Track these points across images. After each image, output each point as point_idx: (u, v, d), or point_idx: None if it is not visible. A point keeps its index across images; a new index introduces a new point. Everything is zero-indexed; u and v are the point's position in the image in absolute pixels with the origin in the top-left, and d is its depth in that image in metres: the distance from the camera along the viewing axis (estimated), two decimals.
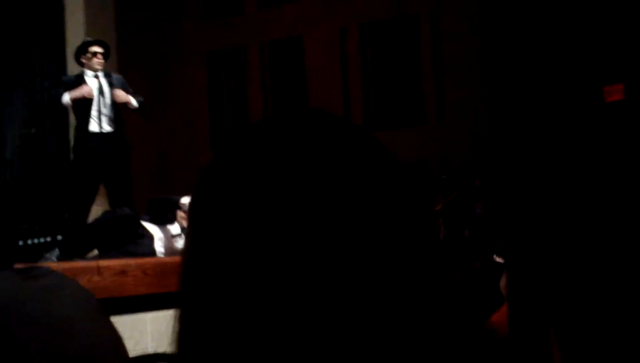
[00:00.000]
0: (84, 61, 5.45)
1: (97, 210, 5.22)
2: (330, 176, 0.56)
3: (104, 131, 5.26)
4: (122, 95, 5.25)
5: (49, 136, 7.70)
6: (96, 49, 5.40)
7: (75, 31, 7.23)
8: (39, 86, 8.20)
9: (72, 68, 5.97)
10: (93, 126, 5.26)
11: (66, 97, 5.21)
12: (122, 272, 3.03)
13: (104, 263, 3.06)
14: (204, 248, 0.58)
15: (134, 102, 5.34)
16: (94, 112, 5.25)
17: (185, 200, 4.81)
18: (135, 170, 5.78)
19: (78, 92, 5.18)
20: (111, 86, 5.33)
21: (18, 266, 1.88)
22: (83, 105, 5.25)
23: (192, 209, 0.61)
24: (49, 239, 6.91)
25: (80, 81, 5.32)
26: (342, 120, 0.61)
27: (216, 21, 7.97)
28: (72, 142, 5.59)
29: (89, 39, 5.59)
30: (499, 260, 2.97)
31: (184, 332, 0.59)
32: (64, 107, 5.34)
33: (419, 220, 0.58)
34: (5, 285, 1.72)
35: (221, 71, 8.06)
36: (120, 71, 6.20)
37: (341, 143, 0.58)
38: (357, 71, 7.39)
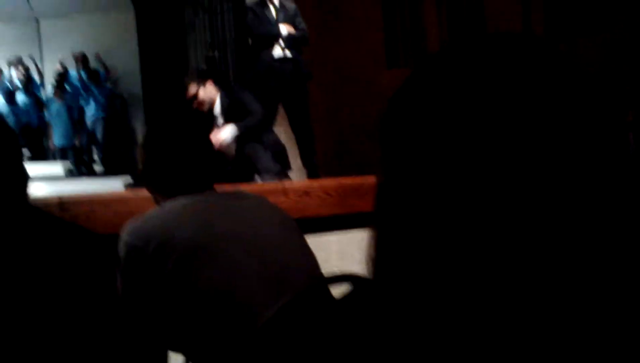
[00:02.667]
0: None
1: (278, 132, 5.42)
2: (519, 97, 0.55)
3: (287, 55, 5.52)
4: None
5: (232, 58, 7.97)
6: None
7: None
8: (219, 10, 8.46)
9: None
10: (276, 52, 5.51)
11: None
12: (306, 193, 3.13)
13: (289, 184, 3.18)
14: (396, 175, 0.59)
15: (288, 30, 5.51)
16: (281, 39, 5.54)
17: None
18: (311, 100, 5.95)
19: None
20: (285, 16, 5.57)
21: (218, 187, 2.01)
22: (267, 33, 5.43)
23: (381, 137, 0.62)
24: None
25: (262, 8, 5.62)
26: (525, 37, 0.59)
27: None
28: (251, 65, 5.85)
29: None
30: None
31: (379, 254, 0.61)
32: (255, 35, 5.65)
33: (613, 133, 0.56)
34: (205, 203, 1.85)
35: None
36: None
37: (527, 63, 0.57)
38: None
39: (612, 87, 0.61)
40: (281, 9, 5.65)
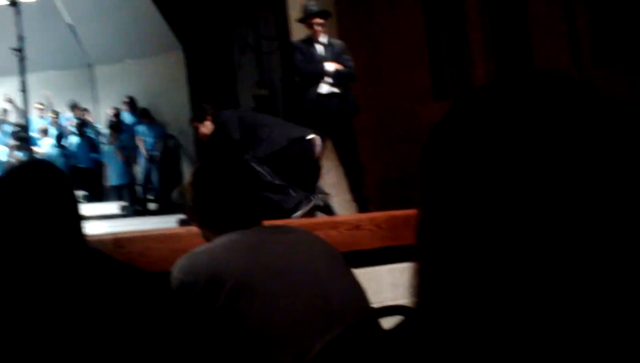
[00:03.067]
0: (307, 27, 5.83)
1: (327, 166, 5.46)
2: (556, 136, 0.56)
3: (334, 91, 5.61)
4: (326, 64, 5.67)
5: (280, 96, 8.08)
6: (317, 21, 5.74)
7: None
8: (266, 48, 8.60)
9: (294, 31, 6.22)
10: (322, 88, 5.59)
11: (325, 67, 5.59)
12: (357, 227, 3.14)
13: (339, 218, 3.19)
14: (437, 206, 0.60)
15: (332, 67, 5.67)
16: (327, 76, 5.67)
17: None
18: (358, 128, 5.98)
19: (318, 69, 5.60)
20: (332, 53, 5.72)
21: (266, 223, 2.04)
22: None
23: (422, 168, 0.63)
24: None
25: (308, 46, 5.72)
26: (571, 81, 0.60)
27: None
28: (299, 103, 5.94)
29: (311, 8, 5.82)
30: None
31: (422, 286, 0.61)
32: (303, 73, 5.78)
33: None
34: (253, 239, 1.87)
35: (439, 20, 7.92)
36: (338, 27, 6.43)
37: (570, 107, 0.57)
38: (581, 2, 6.91)
39: None
40: (328, 46, 5.74)
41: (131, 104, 11.00)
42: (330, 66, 5.64)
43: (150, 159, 10.63)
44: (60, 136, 10.71)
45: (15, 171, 1.78)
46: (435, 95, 7.88)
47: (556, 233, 0.54)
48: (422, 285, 0.61)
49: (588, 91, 0.59)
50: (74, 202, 1.76)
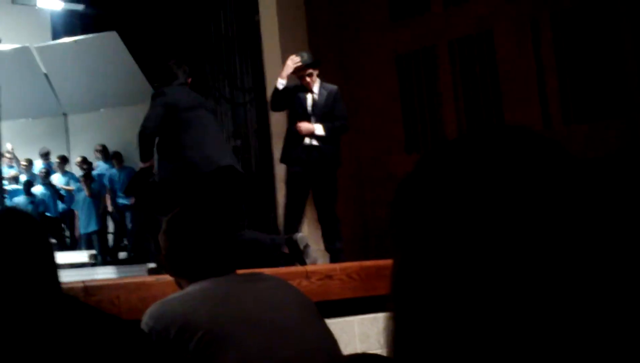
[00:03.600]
0: (297, 77, 5.61)
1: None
2: (529, 195, 0.57)
3: (312, 144, 5.44)
4: (304, 128, 5.42)
5: (254, 148, 8.12)
6: (309, 71, 5.52)
7: (271, 44, 7.56)
8: (241, 99, 8.68)
9: (270, 80, 6.25)
10: (306, 140, 5.48)
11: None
12: (328, 276, 3.14)
13: (311, 267, 3.20)
14: (410, 258, 0.60)
15: (319, 131, 5.47)
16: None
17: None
18: None
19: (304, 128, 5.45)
20: (323, 103, 5.54)
21: (239, 272, 2.04)
22: (297, 119, 5.46)
23: (393, 219, 0.64)
24: None
25: (297, 92, 5.53)
26: (543, 139, 0.61)
27: (404, 22, 8.00)
28: (275, 153, 5.84)
29: (304, 58, 5.58)
30: None
31: (398, 336, 0.61)
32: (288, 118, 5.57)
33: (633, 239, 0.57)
34: (225, 287, 1.87)
35: (411, 73, 8.07)
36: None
37: (541, 164, 0.59)
38: (552, 62, 7.09)
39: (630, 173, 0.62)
40: (320, 95, 5.52)
41: (104, 152, 10.98)
42: (318, 130, 5.44)
43: (116, 210, 10.57)
44: (29, 184, 10.61)
45: None
46: (407, 148, 7.98)
47: (523, 283, 0.55)
48: (396, 333, 0.61)
49: (553, 145, 0.61)
50: (49, 249, 1.75)
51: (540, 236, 0.56)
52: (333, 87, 5.69)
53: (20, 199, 10.38)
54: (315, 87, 5.57)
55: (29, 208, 10.16)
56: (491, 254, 0.56)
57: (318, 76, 5.61)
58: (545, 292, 0.55)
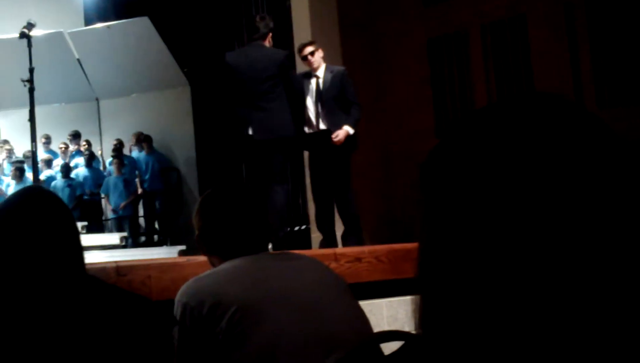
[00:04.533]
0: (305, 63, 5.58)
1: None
2: (557, 161, 0.56)
3: (319, 129, 5.35)
4: (342, 135, 5.33)
5: None
6: (307, 50, 5.51)
7: (302, 29, 7.55)
8: None
9: (300, 65, 6.24)
10: (309, 125, 5.39)
11: None
12: (357, 259, 3.15)
13: (340, 250, 3.22)
14: (437, 235, 0.60)
15: (350, 131, 5.38)
16: (310, 114, 5.43)
17: None
18: (360, 164, 5.86)
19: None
20: (329, 84, 5.43)
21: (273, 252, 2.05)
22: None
23: (423, 192, 0.64)
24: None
25: (306, 80, 5.53)
26: (571, 103, 0.60)
27: (436, 7, 7.93)
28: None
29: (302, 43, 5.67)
30: None
31: (425, 317, 0.61)
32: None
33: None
34: (257, 265, 1.89)
35: (443, 58, 8.01)
36: (344, 64, 6.37)
37: (570, 128, 0.58)
38: (586, 46, 6.99)
39: None
40: (325, 77, 5.45)
41: (138, 138, 11.05)
42: (349, 130, 5.32)
43: (147, 194, 10.67)
44: (67, 167, 10.75)
45: (15, 199, 1.77)
46: (437, 133, 7.94)
47: (557, 260, 0.54)
48: (424, 310, 0.61)
49: (587, 114, 0.60)
50: (74, 230, 1.75)
51: (569, 209, 0.55)
52: (340, 68, 5.62)
53: (57, 182, 10.51)
54: (320, 71, 5.49)
55: (67, 191, 10.28)
56: (521, 228, 0.55)
57: (323, 58, 5.55)
58: (574, 269, 0.54)
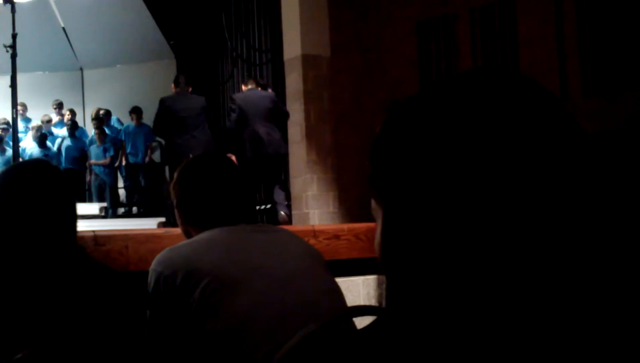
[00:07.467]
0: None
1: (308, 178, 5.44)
2: (508, 135, 0.56)
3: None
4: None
5: None
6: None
7: (290, 5, 7.48)
8: (259, 62, 8.62)
9: (288, 40, 6.21)
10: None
11: None
12: (336, 236, 3.15)
13: (319, 227, 3.21)
14: (395, 210, 0.61)
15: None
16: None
17: None
18: (345, 144, 5.92)
19: None
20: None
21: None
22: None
23: (373, 161, 0.65)
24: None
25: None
26: (533, 82, 0.60)
27: None
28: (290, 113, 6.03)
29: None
30: None
31: (390, 286, 0.62)
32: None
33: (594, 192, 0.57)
34: (233, 236, 1.88)
35: (431, 40, 7.99)
36: (332, 49, 6.46)
37: (522, 102, 0.58)
38: (573, 34, 7.00)
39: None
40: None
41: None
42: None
43: (131, 166, 10.61)
44: (43, 137, 10.63)
45: (15, 169, 1.80)
46: None
47: (507, 233, 0.54)
48: (389, 285, 0.62)
49: (539, 88, 0.60)
50: (71, 200, 1.80)
51: (520, 182, 0.55)
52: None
53: (34, 151, 10.42)
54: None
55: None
56: (475, 200, 0.55)
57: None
58: (529, 241, 0.55)
